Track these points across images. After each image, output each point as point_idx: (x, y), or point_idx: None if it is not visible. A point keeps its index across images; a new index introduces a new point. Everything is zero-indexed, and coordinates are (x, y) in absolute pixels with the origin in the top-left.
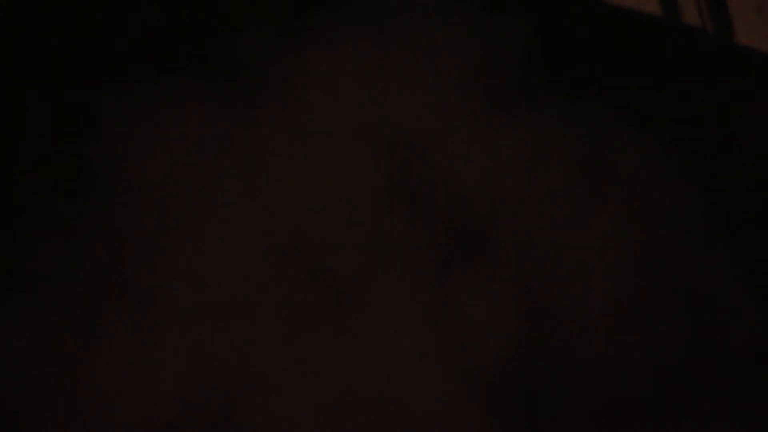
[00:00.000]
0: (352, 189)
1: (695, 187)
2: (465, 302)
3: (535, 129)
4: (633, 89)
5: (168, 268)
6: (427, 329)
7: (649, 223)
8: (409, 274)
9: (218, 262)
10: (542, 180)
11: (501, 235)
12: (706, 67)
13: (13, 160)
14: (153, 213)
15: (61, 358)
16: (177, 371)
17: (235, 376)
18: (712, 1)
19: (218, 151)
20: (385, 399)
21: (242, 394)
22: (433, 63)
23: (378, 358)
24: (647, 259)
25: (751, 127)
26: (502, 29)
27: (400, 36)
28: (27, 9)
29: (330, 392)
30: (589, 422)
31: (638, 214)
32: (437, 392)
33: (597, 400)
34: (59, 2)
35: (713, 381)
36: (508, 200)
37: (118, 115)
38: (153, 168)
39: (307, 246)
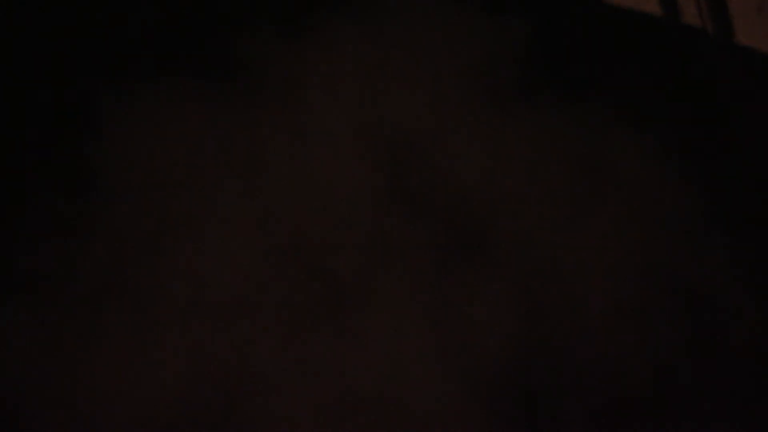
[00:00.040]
0: (352, 189)
1: (695, 187)
2: (465, 302)
3: (535, 129)
4: (633, 89)
5: (168, 268)
6: (427, 329)
7: (649, 223)
8: (409, 274)
9: (218, 262)
10: (542, 180)
11: (501, 235)
12: (706, 67)
13: (13, 160)
14: (153, 213)
15: (61, 358)
16: (177, 371)
17: (235, 376)
18: (712, 1)
19: (218, 151)
20: (385, 399)
21: (242, 394)
22: (433, 63)
23: (378, 358)
24: (647, 259)
25: (751, 127)
26: (502, 29)
27: (400, 36)
28: (27, 9)
29: (330, 392)
30: (589, 422)
31: (638, 214)
32: (437, 392)
33: (597, 400)
34: (59, 2)
35: (713, 381)
36: (508, 200)
37: (118, 115)
38: (153, 168)
39: (307, 246)
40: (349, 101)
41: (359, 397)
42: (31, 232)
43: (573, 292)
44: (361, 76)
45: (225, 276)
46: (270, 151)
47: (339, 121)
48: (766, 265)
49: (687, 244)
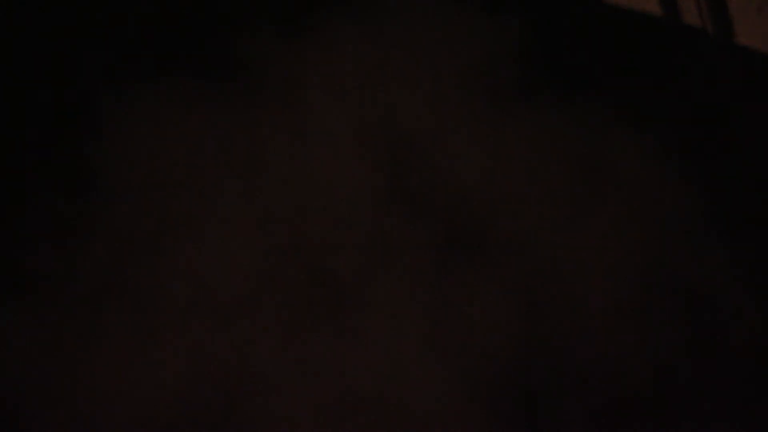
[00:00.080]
0: (352, 189)
1: (695, 187)
2: (465, 302)
3: (535, 129)
4: (633, 89)
5: (168, 268)
6: (427, 329)
7: (649, 223)
8: (409, 274)
9: (218, 262)
10: (542, 180)
11: (501, 235)
12: (706, 67)
13: (13, 160)
14: (153, 213)
15: (61, 358)
16: (177, 371)
17: (235, 376)
18: (712, 1)
19: (218, 151)
20: (385, 399)
21: (242, 394)
22: (433, 63)
23: (378, 358)
24: (647, 259)
25: (751, 127)
26: (502, 29)
27: (400, 36)
28: (27, 9)
29: (330, 392)
30: (589, 422)
31: (638, 214)
32: (437, 392)
33: (597, 400)
34: (59, 2)
35: (713, 381)
36: (508, 200)
37: (118, 115)
38: (153, 168)
39: (307, 246)
40: (349, 101)
41: (359, 397)
42: (31, 232)
43: (573, 292)
44: (361, 76)
45: (225, 276)
46: (270, 151)
47: (339, 121)
48: (766, 265)
49: (687, 244)
